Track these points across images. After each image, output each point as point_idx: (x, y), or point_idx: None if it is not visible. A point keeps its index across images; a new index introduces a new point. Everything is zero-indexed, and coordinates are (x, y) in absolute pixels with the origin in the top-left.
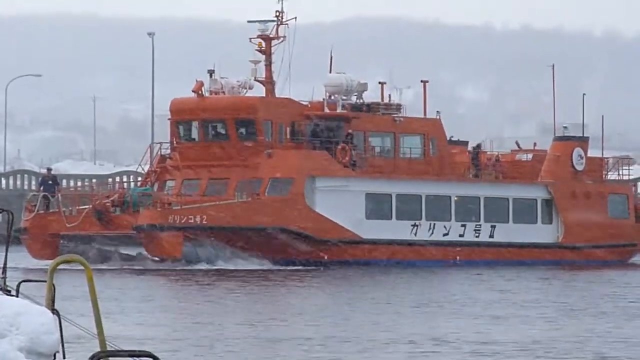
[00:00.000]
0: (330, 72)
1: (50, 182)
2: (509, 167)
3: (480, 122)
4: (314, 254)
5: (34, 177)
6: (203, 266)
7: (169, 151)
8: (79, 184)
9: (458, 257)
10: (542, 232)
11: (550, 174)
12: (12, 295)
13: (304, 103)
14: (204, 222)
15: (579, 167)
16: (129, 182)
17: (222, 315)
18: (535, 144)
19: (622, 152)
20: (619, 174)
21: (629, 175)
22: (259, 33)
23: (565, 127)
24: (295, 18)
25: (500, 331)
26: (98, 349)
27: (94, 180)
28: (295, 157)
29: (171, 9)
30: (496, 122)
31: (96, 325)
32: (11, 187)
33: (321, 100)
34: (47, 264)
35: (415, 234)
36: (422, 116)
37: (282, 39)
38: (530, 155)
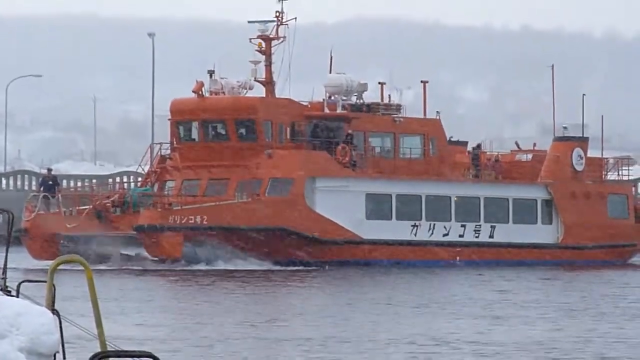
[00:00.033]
0: (330, 72)
1: (50, 182)
2: (508, 167)
3: (480, 123)
4: (315, 254)
5: (34, 178)
6: (203, 267)
7: (169, 152)
8: (79, 184)
9: (458, 258)
10: (542, 233)
11: (550, 174)
12: (13, 296)
13: (304, 103)
14: (204, 222)
15: (579, 168)
16: (129, 183)
17: (222, 316)
18: (535, 145)
19: (622, 153)
20: (618, 174)
21: (628, 175)
22: (259, 33)
23: (565, 128)
24: (295, 18)
25: (501, 331)
26: (98, 350)
27: (94, 181)
28: (295, 157)
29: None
30: (496, 122)
31: (96, 325)
32: (11, 187)
33: (321, 100)
34: (48, 264)
35: (415, 235)
36: (422, 116)
37: (282, 39)
38: (530, 156)
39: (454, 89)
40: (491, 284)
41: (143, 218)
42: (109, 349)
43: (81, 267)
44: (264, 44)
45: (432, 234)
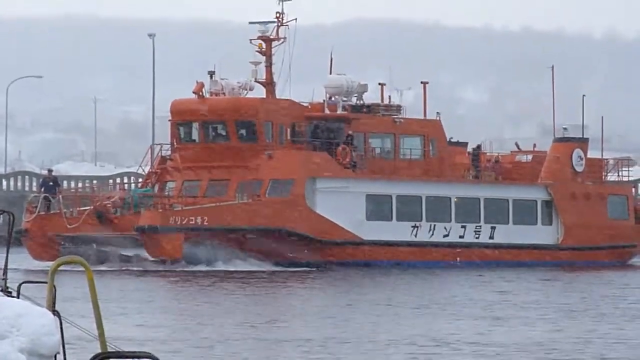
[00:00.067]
0: (330, 73)
1: (51, 183)
2: (508, 168)
3: (480, 124)
4: (315, 255)
5: (35, 179)
6: (203, 267)
7: (169, 152)
8: (80, 185)
9: (458, 259)
10: (542, 234)
11: (550, 175)
12: (13, 297)
13: (305, 104)
14: (205, 223)
15: (579, 169)
16: (129, 184)
17: (222, 317)
18: (535, 145)
19: (623, 154)
20: (618, 175)
21: (628, 176)
22: (260, 34)
23: (565, 129)
24: (296, 19)
25: (501, 332)
26: (99, 350)
27: (94, 182)
28: (295, 158)
29: (171, 10)
30: (496, 123)
31: (97, 326)
32: (12, 188)
33: (321, 101)
34: (48, 265)
35: (416, 235)
36: (422, 117)
37: (282, 40)
38: (530, 157)
39: (454, 90)
40: (491, 285)
41: (144, 219)
42: (109, 349)
43: (82, 268)
44: (264, 45)
45: (432, 234)
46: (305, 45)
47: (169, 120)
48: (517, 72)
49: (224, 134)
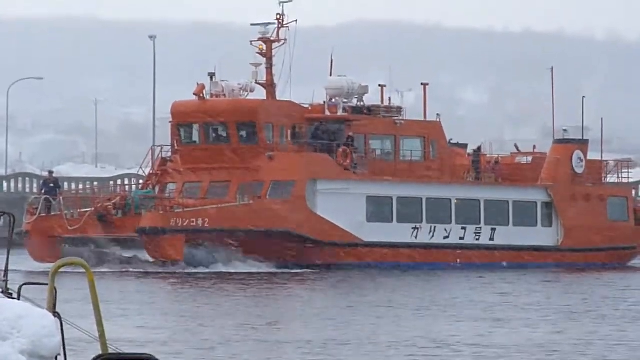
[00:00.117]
0: (331, 74)
1: (51, 185)
2: (509, 169)
3: (480, 125)
4: (315, 256)
5: (36, 180)
6: (204, 269)
7: (170, 154)
8: (81, 187)
9: (459, 260)
10: (542, 235)
11: (550, 176)
12: (14, 298)
13: (305, 106)
14: (206, 225)
15: (579, 170)
16: (130, 185)
17: (223, 318)
18: (535, 147)
19: (623, 155)
20: (618, 177)
21: (628, 178)
22: (260, 36)
23: (565, 130)
24: (296, 21)
25: (502, 334)
26: (99, 352)
27: (95, 183)
28: (296, 159)
29: (172, 11)
30: (496, 124)
31: (98, 328)
32: (13, 190)
33: (322, 103)
34: (49, 267)
35: (416, 237)
36: (423, 119)
37: (283, 41)
38: (530, 158)
39: (454, 91)
40: (492, 287)
41: (145, 220)
42: (110, 351)
43: (82, 270)
44: (264, 47)
45: (432, 236)
46: (305, 47)
47: (170, 122)
48: (517, 73)
49: (224, 135)
